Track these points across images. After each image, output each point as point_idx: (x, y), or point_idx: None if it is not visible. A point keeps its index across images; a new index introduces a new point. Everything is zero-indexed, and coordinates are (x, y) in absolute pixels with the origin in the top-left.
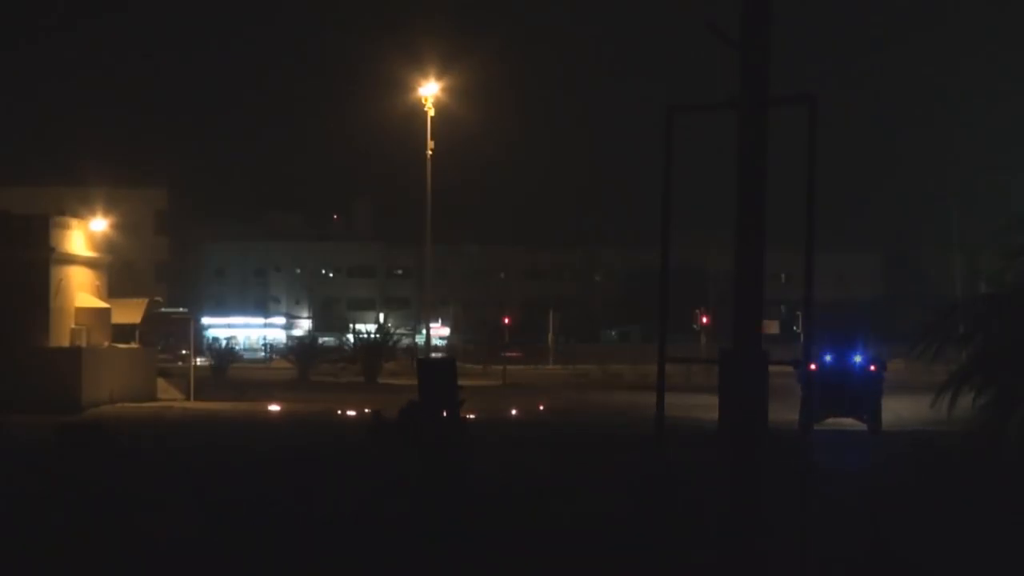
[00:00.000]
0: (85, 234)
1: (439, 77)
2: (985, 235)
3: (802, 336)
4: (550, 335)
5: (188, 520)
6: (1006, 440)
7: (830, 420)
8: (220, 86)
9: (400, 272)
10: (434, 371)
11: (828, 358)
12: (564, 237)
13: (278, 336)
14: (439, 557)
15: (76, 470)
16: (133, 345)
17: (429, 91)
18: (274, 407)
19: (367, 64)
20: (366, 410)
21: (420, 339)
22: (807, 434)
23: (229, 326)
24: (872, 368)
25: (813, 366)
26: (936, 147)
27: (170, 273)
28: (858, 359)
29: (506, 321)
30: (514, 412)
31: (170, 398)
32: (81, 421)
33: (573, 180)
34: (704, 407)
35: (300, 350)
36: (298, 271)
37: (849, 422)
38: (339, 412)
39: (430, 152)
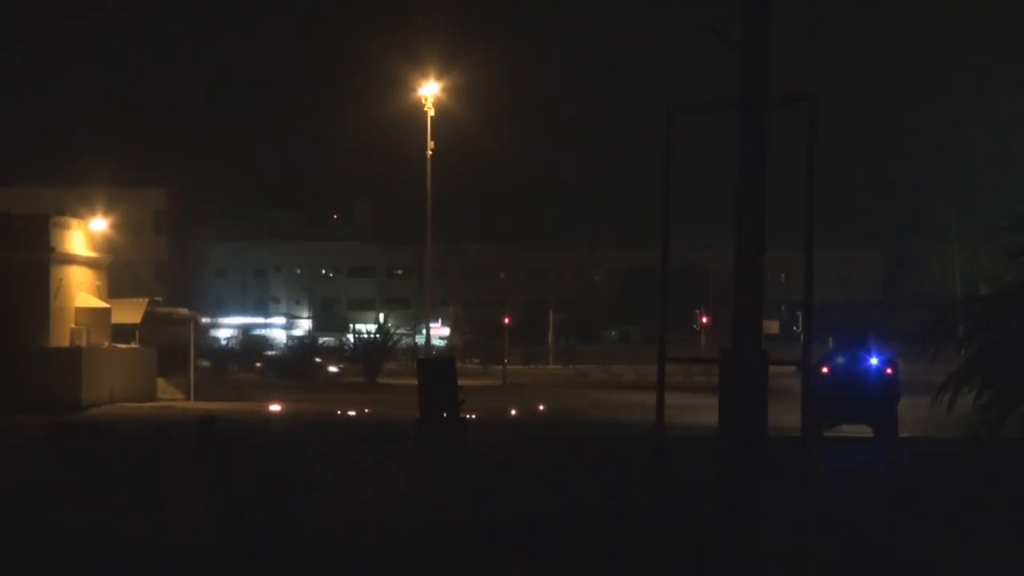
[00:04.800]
0: (85, 234)
1: (439, 77)
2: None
3: (802, 336)
4: (550, 335)
5: (183, 519)
6: (1004, 439)
7: (840, 428)
8: (220, 86)
9: (400, 272)
10: (434, 371)
11: (840, 360)
12: (564, 237)
13: (278, 336)
14: (438, 557)
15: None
16: (133, 345)
17: (429, 91)
18: (275, 407)
19: (367, 64)
20: (366, 410)
21: (420, 339)
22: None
23: (229, 326)
24: (888, 371)
25: (825, 369)
26: (936, 147)
27: (170, 273)
28: (874, 361)
29: (506, 321)
30: (514, 412)
31: (170, 398)
32: (81, 421)
33: (573, 180)
34: (704, 407)
35: (301, 350)
36: (298, 271)
37: (861, 428)
38: (339, 412)
39: (430, 152)
